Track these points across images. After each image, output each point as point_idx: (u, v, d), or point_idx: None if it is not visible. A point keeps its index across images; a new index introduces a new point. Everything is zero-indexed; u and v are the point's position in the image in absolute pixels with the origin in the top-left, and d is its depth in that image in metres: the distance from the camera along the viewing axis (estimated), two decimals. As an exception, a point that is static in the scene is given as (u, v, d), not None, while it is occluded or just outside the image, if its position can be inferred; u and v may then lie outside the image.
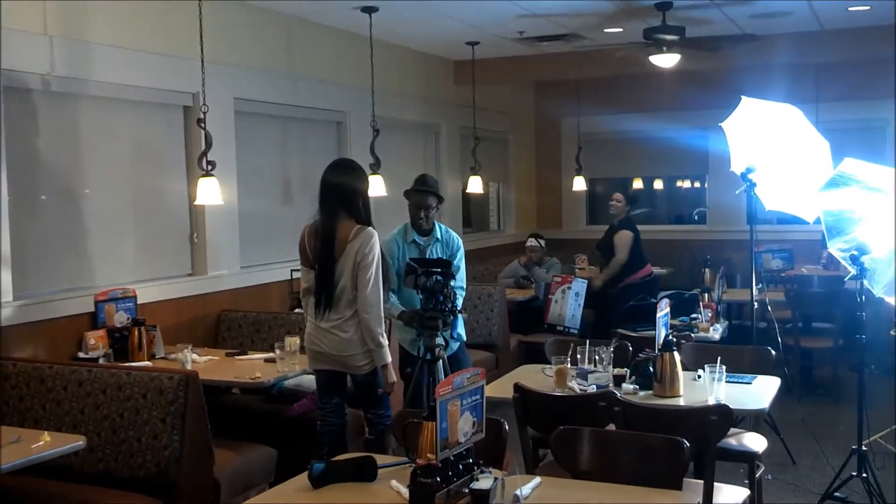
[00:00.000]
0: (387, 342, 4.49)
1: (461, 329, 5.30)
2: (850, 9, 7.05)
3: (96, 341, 4.98)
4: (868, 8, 7.01)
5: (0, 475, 3.35)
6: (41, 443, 3.49)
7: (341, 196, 4.47)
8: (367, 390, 4.56)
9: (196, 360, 5.00)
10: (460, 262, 5.32)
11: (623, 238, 7.84)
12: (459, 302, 5.13)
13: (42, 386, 4.33)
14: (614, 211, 7.99)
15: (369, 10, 6.59)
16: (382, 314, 4.48)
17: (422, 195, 5.21)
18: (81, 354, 4.93)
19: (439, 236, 5.31)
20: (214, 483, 4.26)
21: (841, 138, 7.18)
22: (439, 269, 4.71)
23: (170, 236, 5.86)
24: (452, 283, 4.83)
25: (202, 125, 4.99)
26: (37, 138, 4.97)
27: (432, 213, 5.23)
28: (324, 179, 4.53)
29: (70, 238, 5.18)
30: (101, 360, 4.85)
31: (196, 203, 5.24)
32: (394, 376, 4.61)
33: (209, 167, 4.97)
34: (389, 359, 4.51)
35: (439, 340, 4.75)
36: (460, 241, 5.41)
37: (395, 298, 5.18)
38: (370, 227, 4.45)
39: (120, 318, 5.13)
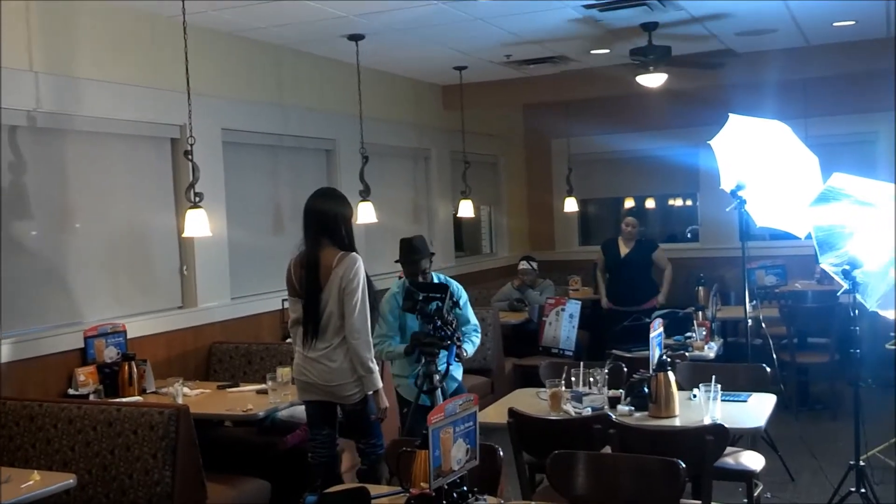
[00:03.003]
0: (377, 367, 4.47)
1: (458, 373, 5.28)
2: (835, 24, 7.08)
3: (86, 377, 4.93)
4: (853, 23, 7.04)
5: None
6: (31, 482, 3.45)
7: (323, 224, 4.48)
8: (358, 420, 4.53)
9: (187, 393, 4.96)
10: (467, 308, 5.28)
11: (664, 253, 8.14)
12: (476, 342, 5.18)
13: (32, 424, 4.28)
14: (629, 237, 8.03)
15: (356, 38, 6.60)
16: (371, 339, 4.47)
17: (413, 265, 5.16)
18: (72, 391, 4.89)
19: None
20: (208, 518, 4.21)
21: (830, 153, 7.19)
22: (439, 295, 4.71)
23: (159, 269, 5.82)
24: (456, 311, 4.91)
25: (189, 157, 4.97)
26: (24, 174, 4.95)
27: (426, 266, 5.19)
28: (306, 209, 4.56)
29: (59, 274, 5.15)
30: (91, 397, 4.81)
31: (184, 235, 5.21)
32: (386, 401, 4.58)
33: (197, 199, 4.95)
34: (381, 384, 4.49)
35: (439, 367, 4.73)
36: (462, 290, 5.34)
37: (396, 341, 5.14)
38: (354, 253, 4.45)
39: (110, 354, 5.09)
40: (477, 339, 5.23)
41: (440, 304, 4.65)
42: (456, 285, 5.30)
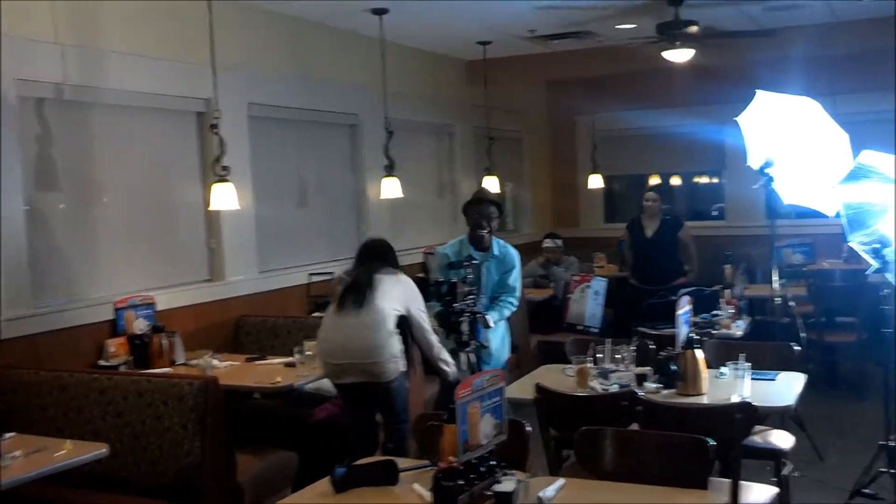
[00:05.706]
0: (451, 359, 4.73)
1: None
2: (864, -1, 6.98)
3: (117, 349, 4.98)
4: (883, -2, 6.94)
5: (23, 484, 3.34)
6: (63, 451, 3.51)
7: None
8: (390, 398, 4.54)
9: (216, 365, 4.99)
10: (516, 280, 5.30)
11: (689, 230, 8.02)
12: (504, 312, 5.24)
13: (63, 394, 4.34)
14: (652, 212, 7.92)
15: (379, 11, 6.57)
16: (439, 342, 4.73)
17: (483, 205, 5.17)
18: (102, 362, 4.94)
19: (496, 252, 5.26)
20: (237, 488, 4.26)
21: (858, 130, 7.06)
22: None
23: (187, 242, 5.86)
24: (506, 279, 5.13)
25: (216, 130, 4.98)
26: (51, 148, 4.98)
27: (494, 225, 5.20)
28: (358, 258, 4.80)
29: (88, 246, 5.19)
30: (121, 368, 4.86)
31: (211, 208, 5.23)
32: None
33: (224, 172, 4.97)
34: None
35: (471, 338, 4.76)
36: (517, 258, 5.33)
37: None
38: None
39: (140, 325, 5.14)
40: (507, 310, 5.24)
41: (453, 281, 4.68)
42: (513, 251, 5.33)
